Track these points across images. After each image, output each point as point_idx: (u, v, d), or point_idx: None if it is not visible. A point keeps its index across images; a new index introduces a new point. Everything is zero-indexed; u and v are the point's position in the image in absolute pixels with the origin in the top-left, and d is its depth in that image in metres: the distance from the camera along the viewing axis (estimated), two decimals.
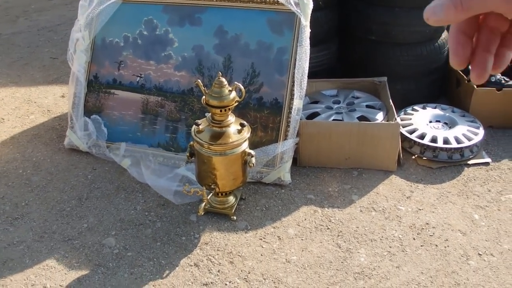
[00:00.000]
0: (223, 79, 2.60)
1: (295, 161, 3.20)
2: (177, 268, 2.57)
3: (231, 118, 2.69)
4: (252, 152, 2.73)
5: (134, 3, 3.48)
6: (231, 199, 2.92)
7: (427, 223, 2.84)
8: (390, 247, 2.69)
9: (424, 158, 3.33)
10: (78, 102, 3.47)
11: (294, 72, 3.07)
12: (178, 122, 3.30)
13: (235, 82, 2.63)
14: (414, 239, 2.74)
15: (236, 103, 2.63)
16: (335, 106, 3.49)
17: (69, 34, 3.61)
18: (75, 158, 3.43)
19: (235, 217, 2.86)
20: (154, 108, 3.36)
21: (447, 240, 2.73)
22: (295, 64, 3.08)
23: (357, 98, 3.56)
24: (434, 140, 3.33)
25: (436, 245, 2.69)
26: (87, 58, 3.52)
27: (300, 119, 3.10)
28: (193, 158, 2.78)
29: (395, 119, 3.19)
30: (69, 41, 3.57)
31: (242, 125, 2.68)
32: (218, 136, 2.65)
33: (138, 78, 3.42)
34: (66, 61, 4.56)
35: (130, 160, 3.28)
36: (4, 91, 4.36)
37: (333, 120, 3.32)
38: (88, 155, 3.43)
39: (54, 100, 4.20)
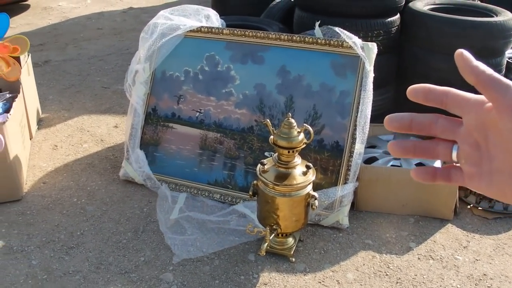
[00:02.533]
0: (293, 120, 2.60)
1: (352, 205, 3.17)
2: None
3: (297, 159, 2.69)
4: (316, 194, 2.72)
5: (197, 38, 3.51)
6: (290, 240, 2.90)
7: (484, 274, 2.80)
8: None
9: (479, 208, 3.29)
10: (135, 133, 3.48)
11: (356, 116, 3.07)
12: (236, 160, 3.30)
13: (304, 124, 2.64)
14: None
15: (304, 145, 2.63)
16: None
17: (119, 64, 3.66)
18: (130, 190, 3.43)
19: (293, 259, 2.84)
20: (213, 144, 3.36)
21: None
22: (357, 107, 3.08)
23: None
24: None
25: None
26: (146, 90, 3.54)
27: None
28: (255, 197, 2.77)
29: None
30: (126, 72, 3.60)
31: (308, 167, 2.67)
32: (283, 177, 2.64)
33: (198, 113, 3.43)
34: (118, 91, 4.63)
35: (184, 198, 3.27)
36: (56, 118, 4.40)
37: (392, 165, 3.30)
38: (143, 187, 3.43)
39: (107, 130, 4.22)
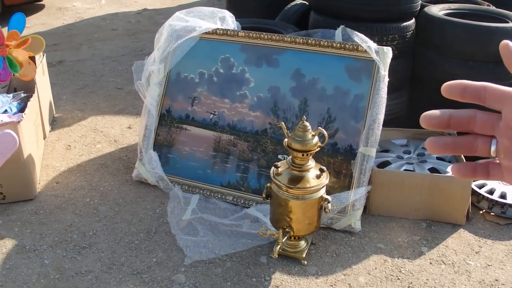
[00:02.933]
0: (307, 124, 2.60)
1: (364, 209, 3.17)
2: None
3: (311, 162, 2.68)
4: (329, 198, 2.72)
5: (212, 40, 3.52)
6: (303, 243, 2.89)
7: (496, 280, 2.79)
8: None
9: (492, 213, 3.28)
10: (148, 134, 3.49)
11: (370, 120, 3.07)
12: (249, 162, 3.30)
13: (319, 127, 2.63)
14: None
15: (318, 148, 2.63)
16: (406, 156, 3.46)
17: (133, 65, 3.66)
18: (143, 191, 3.44)
19: (305, 262, 2.84)
20: (226, 147, 3.37)
21: None
22: (371, 111, 3.07)
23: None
24: (503, 196, 3.29)
25: None
26: (160, 91, 3.54)
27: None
28: (268, 199, 2.77)
29: None
30: (140, 73, 3.61)
31: (321, 170, 2.67)
32: (297, 179, 2.64)
33: (212, 115, 3.43)
34: (131, 92, 4.65)
35: (197, 199, 3.28)
36: (70, 118, 4.42)
37: (404, 170, 3.29)
38: (156, 188, 3.43)
39: (121, 130, 4.24)
